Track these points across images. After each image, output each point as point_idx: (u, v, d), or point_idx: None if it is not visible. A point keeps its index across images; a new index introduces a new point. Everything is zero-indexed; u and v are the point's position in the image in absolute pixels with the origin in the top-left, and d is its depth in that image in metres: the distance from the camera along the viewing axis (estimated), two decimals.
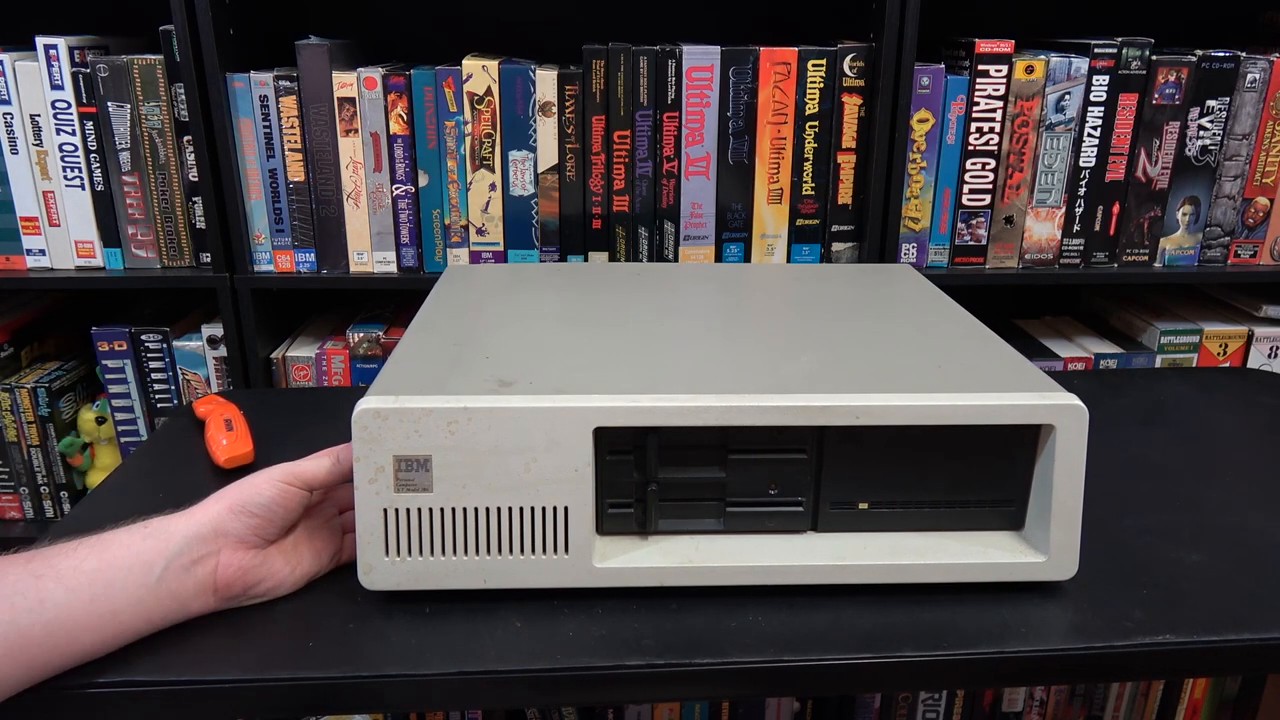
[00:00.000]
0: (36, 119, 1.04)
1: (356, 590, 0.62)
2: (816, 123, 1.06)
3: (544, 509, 0.60)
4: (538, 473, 0.60)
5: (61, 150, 1.05)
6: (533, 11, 1.23)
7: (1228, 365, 1.16)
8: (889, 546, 0.64)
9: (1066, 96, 1.05)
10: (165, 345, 1.13)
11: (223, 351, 1.12)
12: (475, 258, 1.10)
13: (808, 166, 1.08)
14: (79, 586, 0.54)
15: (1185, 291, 1.29)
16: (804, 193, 1.09)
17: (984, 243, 1.10)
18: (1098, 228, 1.10)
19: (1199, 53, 1.05)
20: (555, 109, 1.04)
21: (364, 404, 0.59)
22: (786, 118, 1.06)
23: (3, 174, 1.06)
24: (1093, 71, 1.04)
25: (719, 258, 1.11)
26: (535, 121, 1.05)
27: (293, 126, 1.05)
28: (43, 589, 0.54)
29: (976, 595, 0.63)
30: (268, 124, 1.05)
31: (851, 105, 1.06)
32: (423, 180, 1.07)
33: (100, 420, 1.17)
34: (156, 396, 1.15)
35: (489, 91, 1.04)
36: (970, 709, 1.28)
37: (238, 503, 0.60)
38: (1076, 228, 1.10)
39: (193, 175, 1.06)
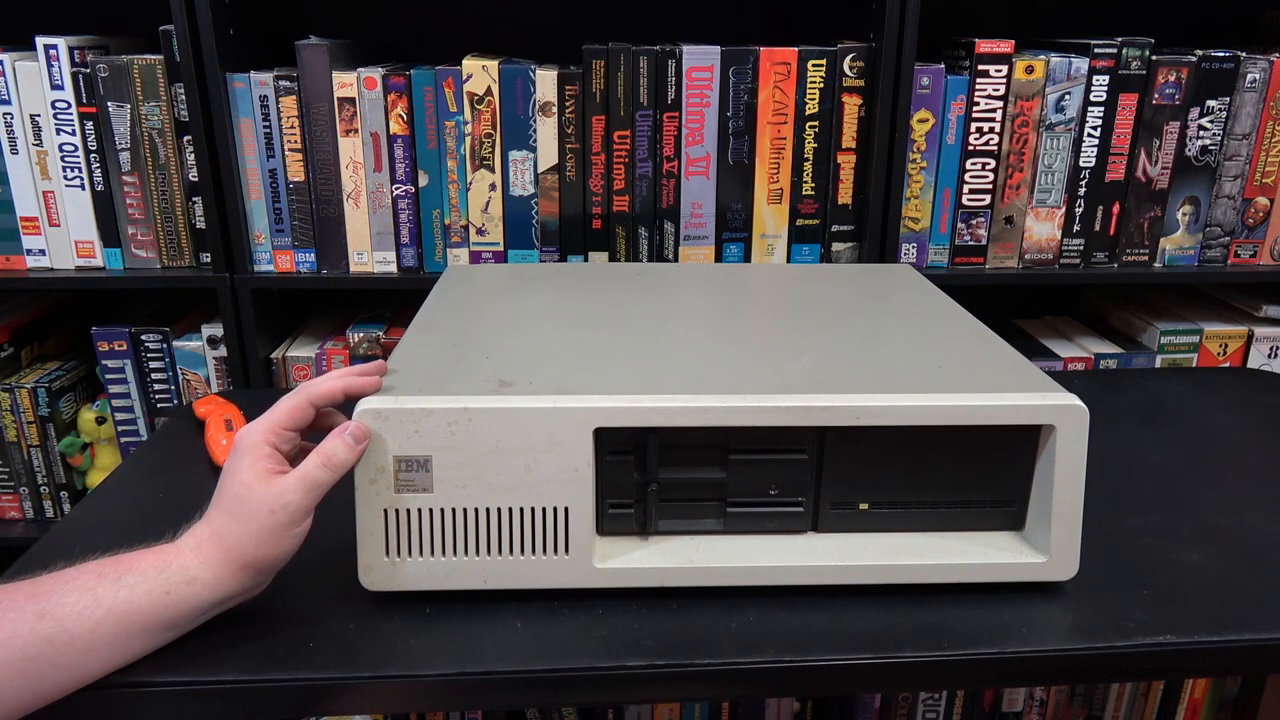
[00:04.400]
0: (36, 119, 1.04)
1: (357, 590, 0.62)
2: (816, 123, 1.06)
3: (544, 509, 0.60)
4: (538, 473, 0.60)
5: (61, 150, 1.05)
6: (533, 11, 1.23)
7: (1228, 365, 1.16)
8: (889, 547, 0.64)
9: (1066, 96, 1.05)
10: (165, 345, 1.13)
11: (223, 351, 1.12)
12: (475, 258, 1.10)
13: (808, 166, 1.08)
14: (93, 649, 0.53)
15: (1185, 291, 1.29)
16: (804, 193, 1.09)
17: (984, 243, 1.10)
18: (1098, 228, 1.10)
19: (1199, 53, 1.05)
20: (555, 109, 1.04)
21: (364, 404, 0.59)
22: (786, 118, 1.06)
23: (3, 174, 1.06)
24: (1093, 71, 1.04)
25: (719, 258, 1.11)
26: (535, 121, 1.05)
27: (293, 126, 1.05)
28: (56, 654, 0.52)
29: (977, 595, 0.63)
30: (268, 124, 1.05)
31: (851, 105, 1.06)
32: (423, 180, 1.07)
33: (100, 420, 1.17)
34: (156, 396, 1.15)
35: (489, 91, 1.04)
36: (970, 709, 1.28)
37: (267, 564, 0.58)
38: (1076, 228, 1.10)
39: (193, 175, 1.06)
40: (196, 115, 1.02)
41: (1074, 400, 0.60)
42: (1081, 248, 1.11)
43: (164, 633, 0.56)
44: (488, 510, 0.60)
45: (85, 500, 0.79)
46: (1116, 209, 1.10)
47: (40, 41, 1.01)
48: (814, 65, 1.04)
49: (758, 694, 1.20)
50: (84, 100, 1.04)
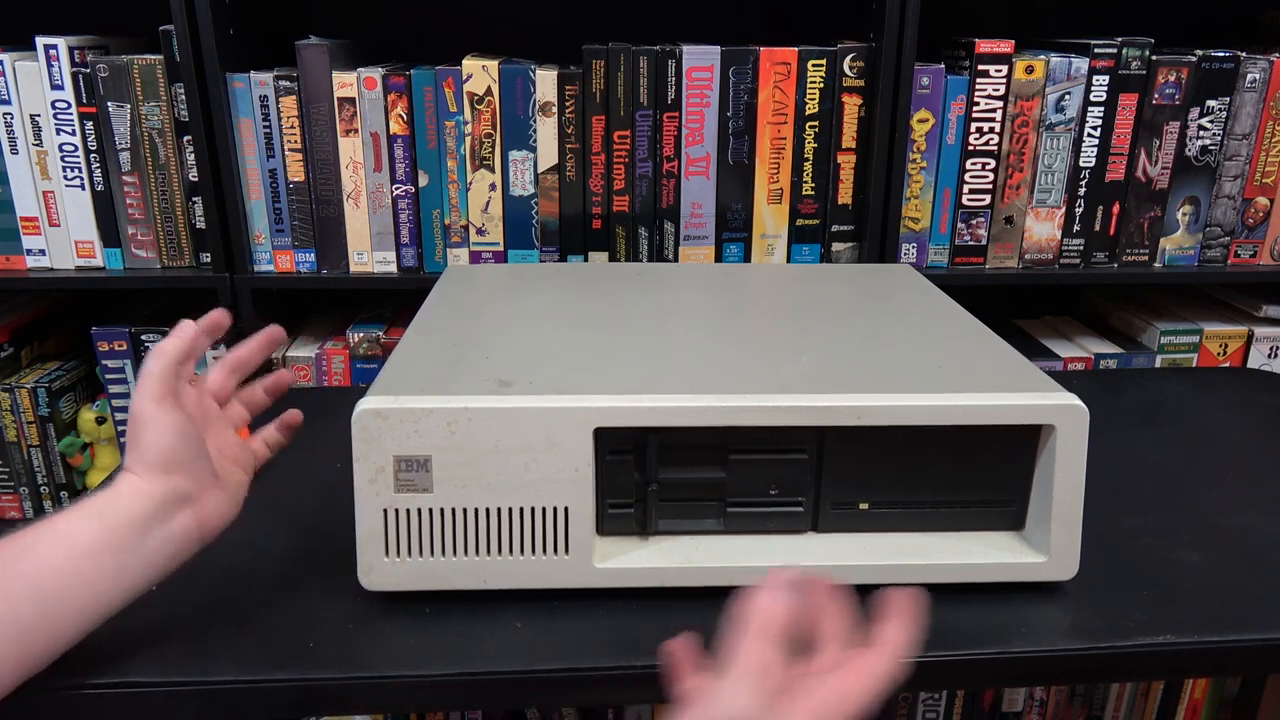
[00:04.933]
0: (36, 119, 1.04)
1: (356, 590, 0.62)
2: (816, 123, 1.06)
3: (544, 509, 0.60)
4: (538, 473, 0.60)
5: (61, 150, 1.05)
6: (533, 11, 1.23)
7: (1228, 365, 1.16)
8: (889, 547, 0.64)
9: (1066, 96, 1.05)
10: None
11: (223, 351, 1.12)
12: (475, 258, 1.10)
13: (808, 166, 1.08)
14: (43, 583, 0.52)
15: (1185, 291, 1.29)
16: (804, 193, 1.09)
17: (984, 243, 1.10)
18: (1098, 228, 1.10)
19: (1199, 53, 1.05)
20: (555, 109, 1.04)
21: (364, 404, 0.59)
22: (786, 118, 1.06)
23: (3, 174, 1.06)
24: (1093, 71, 1.04)
25: (719, 258, 1.11)
26: (535, 121, 1.05)
27: (293, 126, 1.05)
28: (9, 589, 0.52)
29: (977, 595, 0.63)
30: (268, 124, 1.05)
31: (851, 105, 1.06)
32: (423, 180, 1.07)
33: (100, 420, 1.17)
34: None
35: (489, 91, 1.04)
36: (970, 709, 1.28)
37: (164, 458, 0.57)
38: (1076, 228, 1.10)
39: (193, 175, 1.06)
40: (196, 115, 1.02)
41: (1074, 400, 0.60)
42: (1081, 248, 1.11)
43: (112, 556, 0.54)
44: (487, 510, 0.60)
45: None
46: (1116, 209, 1.10)
47: (40, 41, 1.01)
48: (814, 65, 1.04)
49: None
50: (84, 100, 1.04)
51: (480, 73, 1.03)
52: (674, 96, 1.05)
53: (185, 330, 0.60)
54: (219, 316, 0.63)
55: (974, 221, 1.09)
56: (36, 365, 1.20)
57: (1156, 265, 1.13)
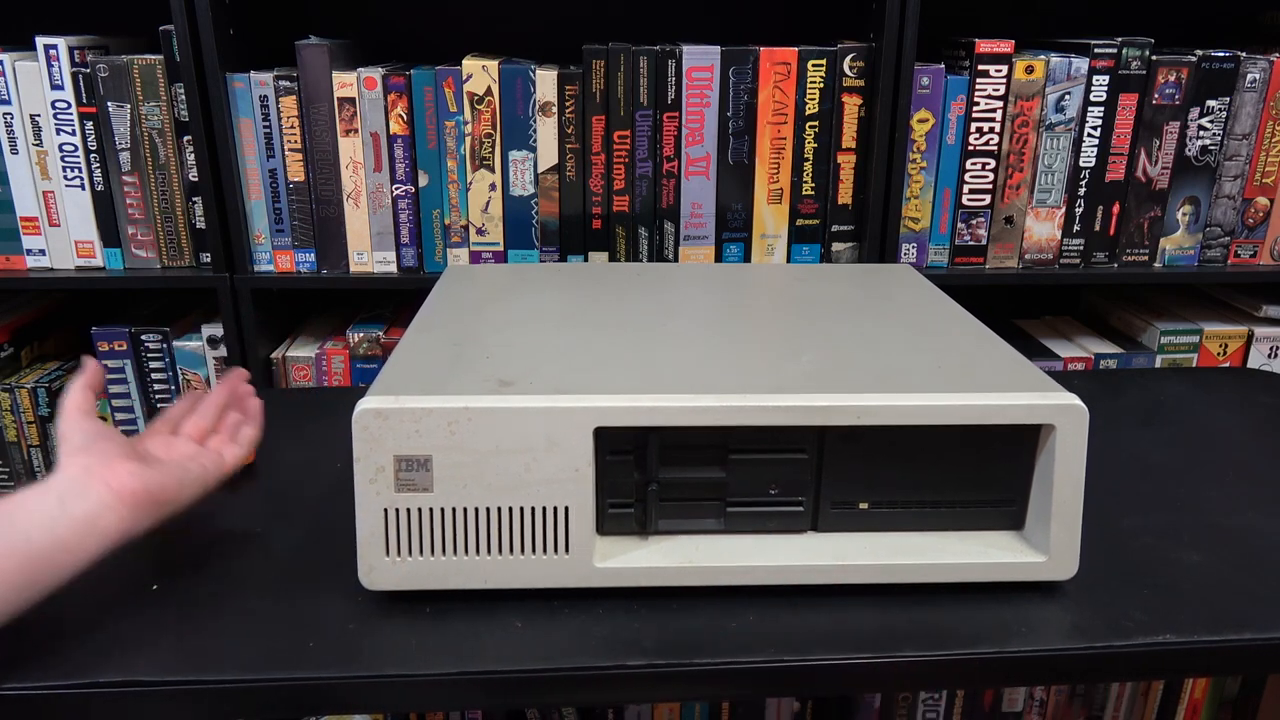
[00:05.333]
0: (36, 119, 1.04)
1: (356, 590, 0.62)
2: (816, 123, 1.06)
3: (544, 509, 0.60)
4: (538, 473, 0.60)
5: (61, 150, 1.05)
6: (533, 11, 1.23)
7: (1228, 365, 1.16)
8: (889, 546, 0.64)
9: (1066, 96, 1.05)
10: (165, 345, 1.13)
11: (223, 351, 1.12)
12: (475, 258, 1.10)
13: (808, 166, 1.08)
14: None
15: (1185, 291, 1.29)
16: (804, 193, 1.09)
17: (984, 243, 1.10)
18: (1098, 228, 1.10)
19: (1199, 53, 1.05)
20: (555, 109, 1.04)
21: (364, 404, 0.59)
22: (786, 118, 1.06)
23: (3, 174, 1.06)
24: (1093, 71, 1.04)
25: (719, 258, 1.11)
26: (535, 121, 1.05)
27: (293, 126, 1.05)
28: None
29: (977, 595, 0.63)
30: (268, 124, 1.05)
31: (851, 105, 1.06)
32: (423, 180, 1.07)
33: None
34: (156, 396, 1.15)
35: (489, 91, 1.04)
36: (970, 709, 1.28)
37: (68, 452, 0.61)
38: (1076, 228, 1.10)
39: (193, 175, 1.06)
40: (196, 115, 1.02)
41: (1074, 400, 0.60)
42: (1081, 248, 1.11)
43: (44, 502, 0.57)
44: (488, 510, 0.60)
45: None
46: (1116, 209, 1.10)
47: (40, 41, 1.02)
48: (814, 65, 1.04)
49: (758, 694, 1.20)
50: (84, 100, 1.04)
51: (480, 73, 1.03)
52: (674, 96, 1.05)
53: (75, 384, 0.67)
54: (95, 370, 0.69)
55: (974, 221, 1.09)
56: (36, 365, 1.20)
57: (1156, 265, 1.13)
